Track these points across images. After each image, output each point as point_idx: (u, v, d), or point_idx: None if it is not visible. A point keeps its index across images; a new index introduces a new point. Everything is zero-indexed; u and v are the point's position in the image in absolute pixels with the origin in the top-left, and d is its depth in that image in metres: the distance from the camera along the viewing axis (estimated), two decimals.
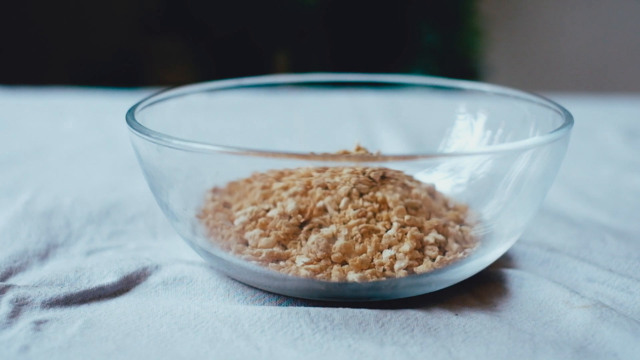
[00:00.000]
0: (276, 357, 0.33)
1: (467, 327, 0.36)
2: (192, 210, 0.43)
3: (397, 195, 0.41)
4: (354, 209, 0.40)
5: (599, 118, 0.87)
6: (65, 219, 0.50)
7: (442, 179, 0.43)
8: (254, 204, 0.42)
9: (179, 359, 0.33)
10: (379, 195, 0.41)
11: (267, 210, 0.41)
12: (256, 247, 0.39)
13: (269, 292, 0.40)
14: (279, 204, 0.41)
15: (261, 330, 0.35)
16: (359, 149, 0.47)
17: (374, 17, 1.53)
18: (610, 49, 1.67)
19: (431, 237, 0.39)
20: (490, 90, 0.51)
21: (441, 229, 0.40)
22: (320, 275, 0.38)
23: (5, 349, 0.34)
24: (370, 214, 0.40)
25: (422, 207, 0.41)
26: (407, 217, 0.40)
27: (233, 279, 0.41)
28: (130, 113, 0.42)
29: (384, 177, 0.42)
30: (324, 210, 0.40)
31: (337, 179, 0.41)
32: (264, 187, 0.42)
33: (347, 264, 0.38)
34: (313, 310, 0.37)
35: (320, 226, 0.40)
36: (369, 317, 0.36)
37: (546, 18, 1.72)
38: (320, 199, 0.41)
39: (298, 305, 0.38)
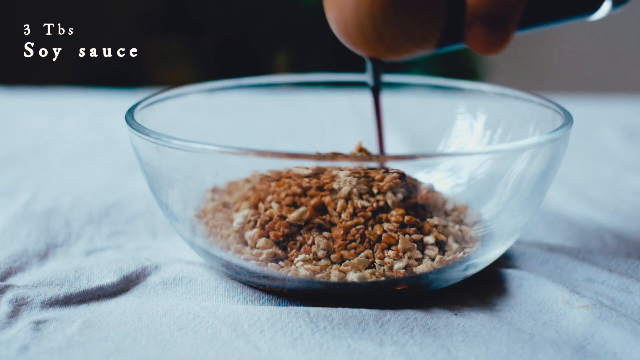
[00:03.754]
0: (275, 357, 0.33)
1: (467, 327, 0.36)
2: (192, 210, 0.43)
3: (397, 195, 0.41)
4: (354, 209, 0.40)
5: (599, 118, 0.87)
6: (65, 219, 0.50)
7: (442, 179, 0.43)
8: (252, 205, 0.42)
9: (179, 359, 0.33)
10: (378, 195, 0.41)
11: (266, 210, 0.41)
12: (255, 247, 0.39)
13: (268, 292, 0.40)
14: (276, 205, 0.41)
15: (260, 330, 0.35)
16: (360, 149, 0.47)
17: None
18: (610, 49, 1.67)
19: (431, 237, 0.39)
20: (490, 90, 0.51)
21: (441, 229, 0.40)
22: (319, 275, 0.38)
23: (4, 349, 0.34)
24: (369, 214, 0.40)
25: (421, 207, 0.41)
26: (406, 217, 0.40)
27: (232, 278, 0.41)
28: (130, 113, 0.42)
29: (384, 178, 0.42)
30: (323, 210, 0.40)
31: (336, 180, 0.41)
32: (263, 188, 0.42)
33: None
34: (312, 310, 0.37)
35: (319, 226, 0.40)
36: (368, 317, 0.36)
37: None
38: (319, 199, 0.41)
39: (297, 305, 0.38)
